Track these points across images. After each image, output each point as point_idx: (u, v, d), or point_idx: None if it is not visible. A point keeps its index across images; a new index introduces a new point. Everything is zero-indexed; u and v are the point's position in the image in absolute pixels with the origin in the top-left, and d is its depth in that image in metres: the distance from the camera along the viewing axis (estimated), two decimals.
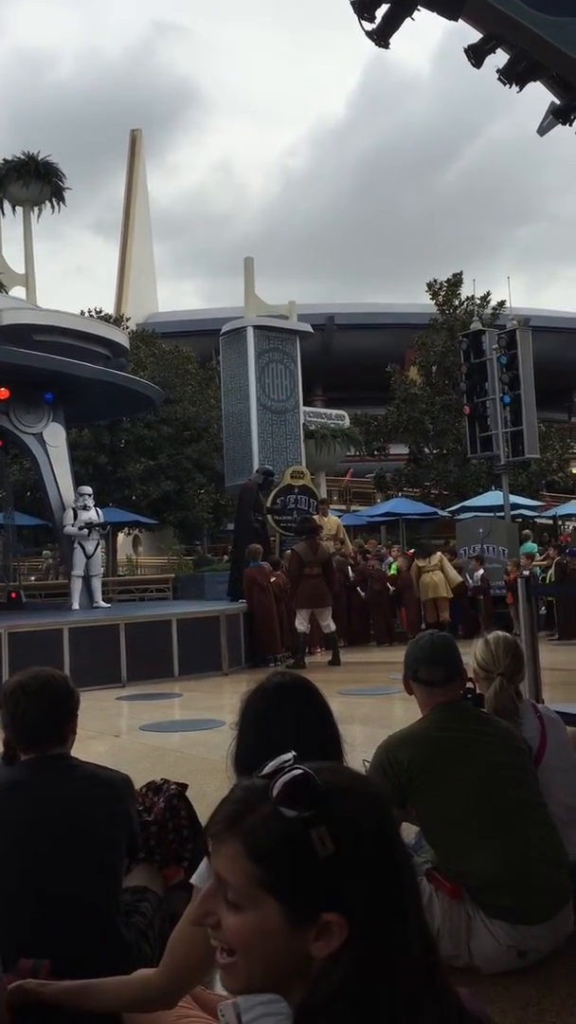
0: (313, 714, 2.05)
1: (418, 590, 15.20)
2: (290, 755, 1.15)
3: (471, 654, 3.47)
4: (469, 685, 3.39)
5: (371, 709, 8.62)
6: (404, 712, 7.69)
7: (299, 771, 1.09)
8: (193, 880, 1.91)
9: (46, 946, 2.17)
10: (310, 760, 1.17)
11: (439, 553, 15.80)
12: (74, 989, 1.94)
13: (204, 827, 1.19)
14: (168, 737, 7.55)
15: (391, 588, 15.33)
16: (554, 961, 2.82)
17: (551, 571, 15.69)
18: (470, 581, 15.80)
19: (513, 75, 6.26)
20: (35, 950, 2.15)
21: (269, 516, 16.76)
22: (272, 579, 12.71)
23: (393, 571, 15.80)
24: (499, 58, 6.41)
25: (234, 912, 1.07)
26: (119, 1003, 1.99)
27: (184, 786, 3.35)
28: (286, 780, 1.08)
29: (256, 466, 16.95)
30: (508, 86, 6.37)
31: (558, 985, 2.72)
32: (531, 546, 18.52)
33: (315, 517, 16.21)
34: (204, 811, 3.40)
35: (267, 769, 1.14)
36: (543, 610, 14.88)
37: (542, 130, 6.64)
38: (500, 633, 3.68)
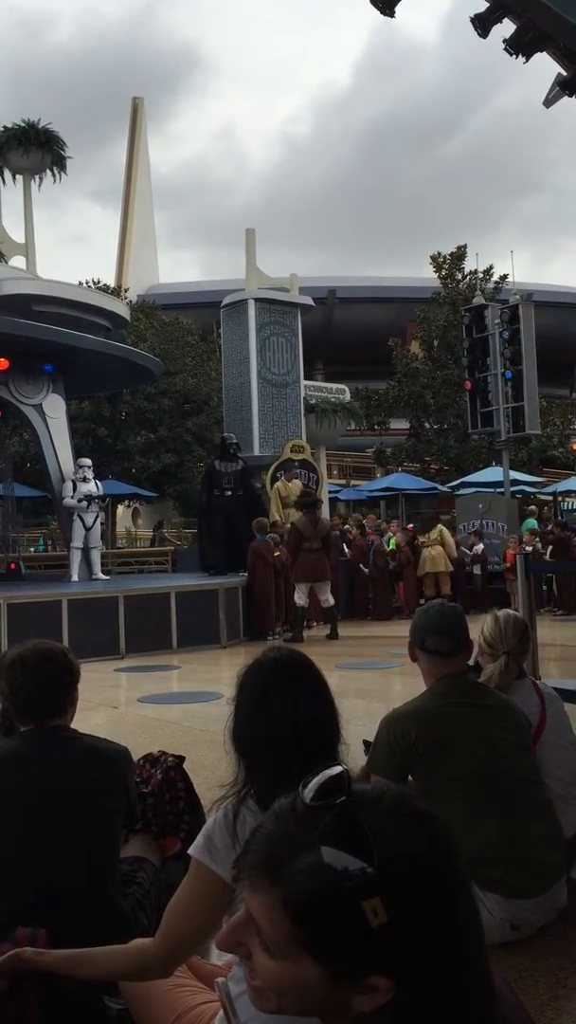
0: (310, 689, 2.06)
1: (415, 564, 15.20)
2: (337, 771, 0.95)
3: (478, 628, 3.47)
4: (471, 661, 3.40)
5: (369, 683, 8.65)
6: (402, 687, 7.73)
7: (348, 815, 0.91)
8: (191, 851, 1.92)
9: (43, 915, 2.19)
10: (315, 747, 1.02)
11: (440, 527, 15.78)
12: (71, 957, 1.95)
13: (236, 858, 1.04)
14: (166, 709, 7.59)
15: (391, 563, 15.35)
16: (546, 934, 2.85)
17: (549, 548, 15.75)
18: (467, 555, 15.79)
19: (520, 46, 6.19)
20: (32, 919, 2.17)
21: (269, 490, 16.77)
22: (276, 553, 12.73)
23: (392, 546, 15.81)
24: (506, 28, 6.33)
25: (268, 955, 0.94)
26: (115, 972, 2.00)
27: (181, 758, 3.37)
28: (338, 832, 0.89)
29: (256, 439, 16.92)
30: (515, 56, 6.30)
31: (550, 957, 2.76)
32: (532, 522, 18.54)
33: (279, 484, 16.31)
34: (201, 783, 3.44)
35: (311, 792, 0.94)
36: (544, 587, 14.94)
37: (548, 102, 6.57)
38: (511, 611, 3.68)
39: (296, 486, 16.12)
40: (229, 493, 13.79)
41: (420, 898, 0.89)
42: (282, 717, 1.97)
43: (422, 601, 13.68)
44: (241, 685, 2.06)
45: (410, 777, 2.97)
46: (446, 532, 15.60)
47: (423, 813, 0.96)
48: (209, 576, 13.25)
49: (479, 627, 3.49)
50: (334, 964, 0.90)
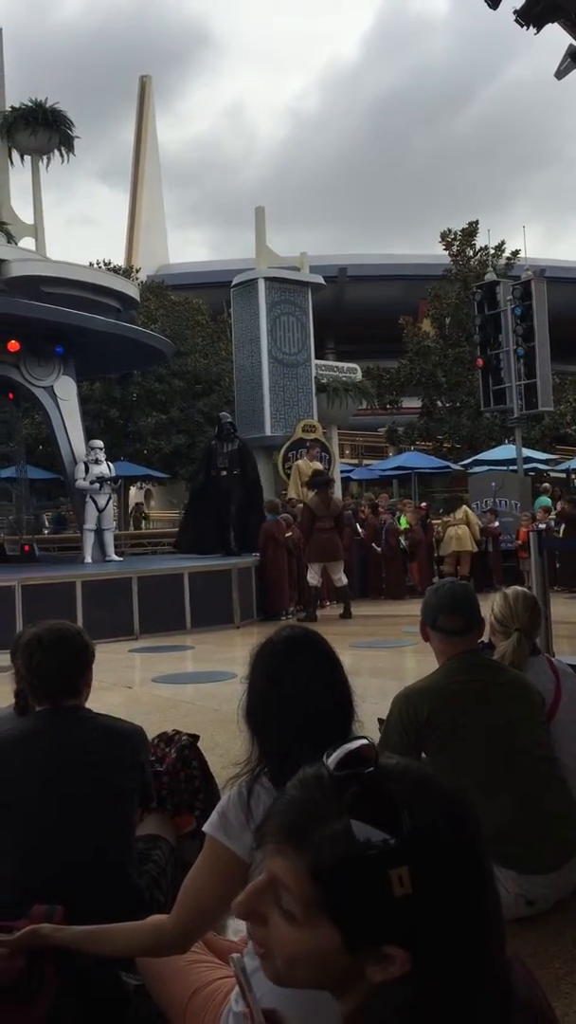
0: (324, 667, 2.06)
1: (436, 544, 15.13)
2: (360, 743, 0.97)
3: (488, 607, 3.46)
4: (484, 639, 3.40)
5: (383, 662, 8.67)
6: (416, 665, 7.74)
7: (381, 790, 0.92)
8: (206, 828, 1.92)
9: (60, 893, 2.21)
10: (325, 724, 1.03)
11: (464, 507, 15.69)
12: (88, 933, 1.97)
13: (259, 824, 1.04)
14: (180, 689, 7.62)
15: (403, 542, 15.33)
16: (561, 910, 2.86)
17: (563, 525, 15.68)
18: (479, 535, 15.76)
19: (530, 17, 6.10)
20: (49, 896, 2.18)
21: (282, 470, 16.76)
22: (288, 534, 12.73)
23: (403, 525, 15.78)
24: None
25: (287, 922, 0.94)
26: (132, 948, 2.02)
27: (195, 737, 3.38)
28: (366, 801, 0.91)
29: (268, 419, 16.88)
30: (525, 28, 6.21)
31: (565, 933, 2.77)
32: (545, 499, 18.47)
33: (300, 462, 16.25)
34: (215, 761, 3.45)
35: (336, 760, 0.95)
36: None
37: (560, 74, 6.48)
38: (519, 588, 3.67)
39: (317, 466, 16.07)
40: (225, 473, 13.72)
41: (445, 872, 0.90)
42: (295, 695, 1.97)
43: (437, 580, 13.67)
44: (254, 663, 2.06)
45: (423, 755, 2.97)
46: (471, 512, 15.48)
47: (448, 789, 0.96)
48: (182, 558, 13.19)
49: (489, 605, 3.49)
50: (355, 931, 0.91)
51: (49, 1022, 2.00)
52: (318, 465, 16.03)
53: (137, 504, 29.40)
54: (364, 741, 0.97)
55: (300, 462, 16.28)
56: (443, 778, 0.98)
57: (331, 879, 0.90)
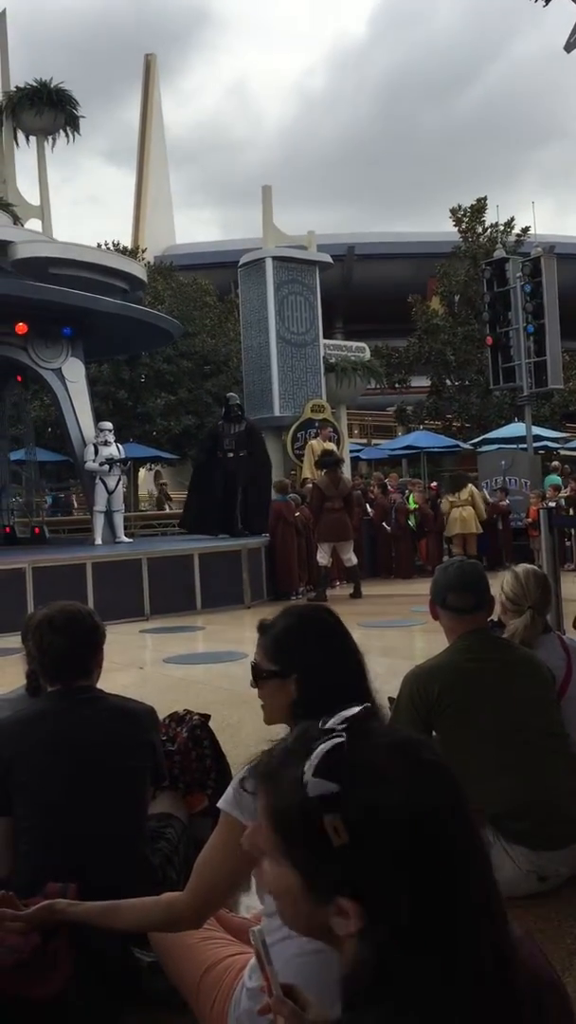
0: (336, 644, 2.07)
1: (445, 524, 14.94)
2: (358, 708, 1.03)
3: (498, 585, 3.46)
4: (494, 617, 3.40)
5: (392, 641, 8.69)
6: (425, 644, 7.74)
7: (338, 740, 0.98)
8: (220, 804, 1.93)
9: (74, 871, 2.23)
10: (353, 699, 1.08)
11: (470, 486, 15.44)
12: (102, 909, 1.98)
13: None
14: (191, 669, 7.65)
15: (413, 521, 15.31)
16: (573, 885, 2.87)
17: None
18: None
19: None
20: (63, 875, 2.20)
21: (291, 450, 16.74)
22: (297, 514, 12.72)
23: (412, 505, 15.77)
24: None
25: (267, 858, 1.04)
26: (146, 923, 2.03)
27: (207, 716, 3.39)
28: (323, 748, 0.97)
29: (276, 399, 16.85)
30: (535, 1, 6.15)
31: None
32: (554, 478, 18.41)
33: (313, 441, 16.18)
34: (226, 741, 3.47)
35: (331, 719, 1.03)
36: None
37: (569, 46, 6.43)
38: (529, 566, 3.67)
39: (330, 446, 16.01)
40: (231, 454, 13.64)
41: (388, 831, 0.93)
42: (309, 672, 1.99)
43: (446, 559, 13.62)
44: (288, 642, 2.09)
45: (434, 733, 2.98)
46: (476, 492, 15.21)
47: (428, 760, 0.99)
48: (192, 539, 13.04)
49: (499, 584, 3.48)
50: (306, 875, 0.97)
51: (64, 997, 2.02)
52: (331, 445, 15.98)
53: (161, 485, 29.38)
54: (365, 706, 1.03)
55: (313, 442, 16.21)
56: (430, 749, 1.01)
57: (283, 821, 0.98)
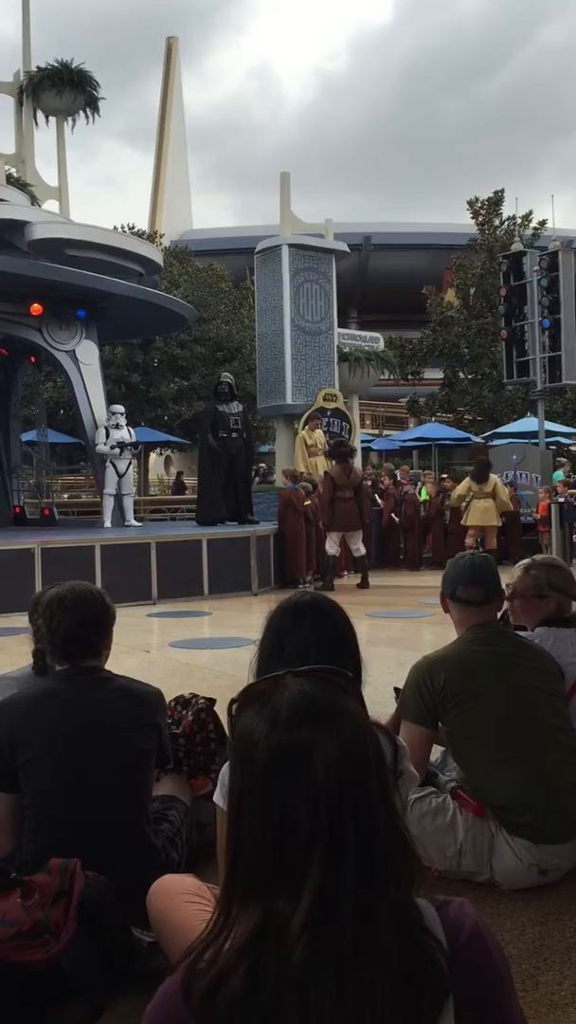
0: (329, 632, 2.07)
1: (465, 515, 14.74)
2: (326, 668, 1.15)
3: (509, 578, 3.46)
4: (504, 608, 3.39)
5: (399, 632, 8.69)
6: (432, 635, 7.74)
7: (262, 685, 1.12)
8: (215, 799, 1.95)
9: (77, 849, 2.24)
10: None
11: (495, 478, 15.18)
12: None
13: None
14: (197, 654, 7.67)
15: (423, 513, 15.28)
16: (574, 879, 2.87)
17: None
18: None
19: None
20: (66, 852, 2.22)
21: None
22: (307, 502, 12.71)
23: (423, 497, 15.74)
24: None
25: None
26: None
27: (212, 700, 3.41)
28: (247, 690, 1.14)
29: (289, 387, 16.80)
30: None
31: None
32: (560, 474, 18.34)
33: (303, 433, 16.08)
34: None
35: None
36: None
37: None
38: (538, 557, 3.66)
39: (319, 435, 15.96)
40: (236, 435, 13.53)
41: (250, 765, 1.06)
42: (293, 659, 1.99)
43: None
44: (265, 627, 2.10)
45: (440, 724, 2.98)
46: (500, 484, 14.88)
47: (322, 710, 1.07)
48: (213, 526, 12.87)
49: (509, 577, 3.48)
50: None
51: (58, 964, 2.03)
52: (320, 436, 15.91)
53: (179, 473, 29.41)
54: (324, 667, 1.13)
55: (303, 433, 16.10)
56: (334, 703, 1.08)
57: None
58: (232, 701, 1.11)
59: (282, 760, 1.04)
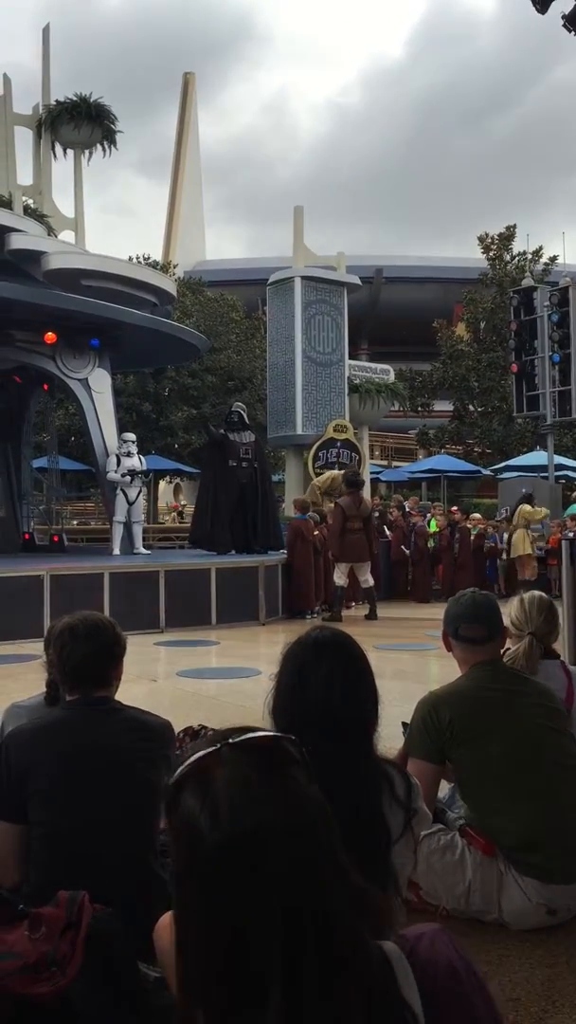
0: (349, 671, 2.07)
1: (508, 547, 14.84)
2: (260, 734, 1.11)
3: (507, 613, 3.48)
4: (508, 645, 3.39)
5: (406, 664, 8.66)
6: (440, 669, 7.71)
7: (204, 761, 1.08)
8: None
9: (84, 881, 2.22)
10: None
11: (544, 510, 15.23)
12: None
13: None
14: (204, 684, 7.65)
15: (431, 545, 15.27)
16: None
17: None
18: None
19: None
20: (74, 884, 2.20)
21: (312, 469, 16.73)
22: (316, 532, 12.72)
23: (433, 528, 15.73)
24: (565, 2, 6.22)
25: None
26: None
27: None
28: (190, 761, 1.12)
29: (299, 418, 16.87)
30: (573, 32, 6.18)
31: None
32: (574, 508, 18.32)
33: (316, 482, 15.95)
34: None
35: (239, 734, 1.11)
36: None
37: None
38: (536, 593, 3.68)
39: (326, 476, 15.80)
40: (246, 465, 13.52)
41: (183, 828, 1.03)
42: (317, 697, 1.99)
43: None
44: (283, 662, 2.09)
45: (448, 763, 2.97)
46: (527, 511, 15.16)
47: (236, 792, 1.02)
48: (218, 555, 12.86)
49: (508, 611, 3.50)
50: None
51: (66, 997, 2.01)
52: (334, 472, 15.77)
53: (184, 506, 29.64)
54: (263, 733, 1.09)
55: (317, 481, 15.81)
56: (275, 784, 1.03)
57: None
58: (168, 779, 1.08)
59: (227, 856, 0.98)
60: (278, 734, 1.10)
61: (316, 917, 0.97)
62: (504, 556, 15.39)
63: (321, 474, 16.34)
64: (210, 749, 1.05)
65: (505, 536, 15.32)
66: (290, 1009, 0.94)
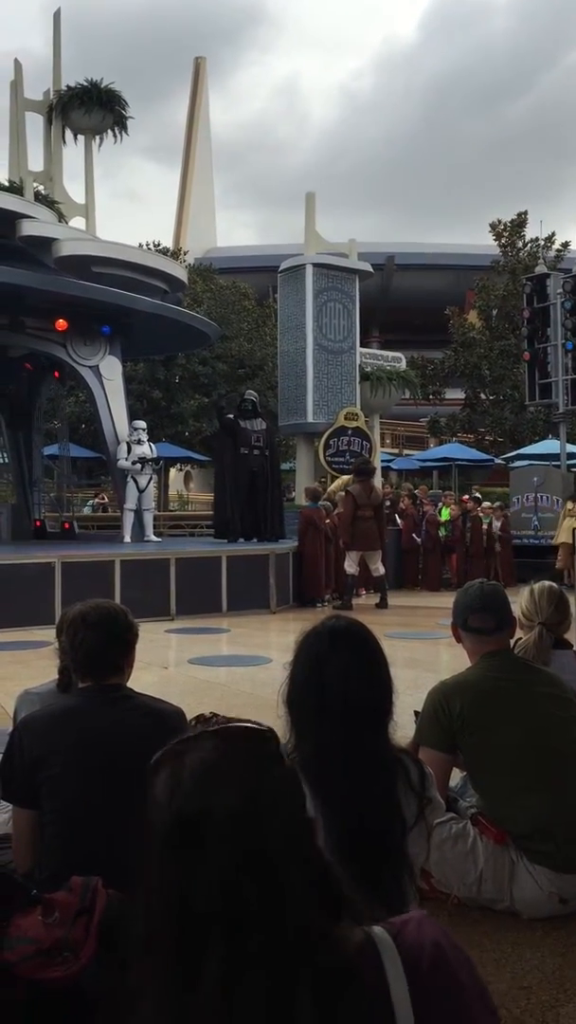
0: (365, 661, 2.06)
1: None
2: (248, 726, 1.15)
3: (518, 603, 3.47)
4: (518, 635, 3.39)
5: (417, 653, 8.66)
6: (450, 657, 7.70)
7: (185, 745, 1.15)
8: None
9: (96, 867, 2.23)
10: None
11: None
12: None
13: None
14: (215, 671, 7.67)
15: (443, 533, 15.25)
16: None
17: None
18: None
19: None
20: (86, 870, 2.21)
21: (323, 457, 16.72)
22: (328, 521, 12.71)
23: (444, 517, 15.70)
24: None
25: None
26: None
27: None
28: (170, 749, 1.20)
29: (310, 406, 16.84)
30: None
31: None
32: None
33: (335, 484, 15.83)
34: None
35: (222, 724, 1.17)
36: None
37: None
38: (546, 583, 3.67)
39: (340, 482, 15.66)
40: (257, 452, 13.46)
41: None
42: (333, 686, 1.99)
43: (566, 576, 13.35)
44: (298, 652, 2.08)
45: (459, 751, 2.97)
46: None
47: (220, 774, 1.08)
48: (227, 543, 12.90)
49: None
50: None
51: (78, 981, 2.03)
52: (347, 478, 15.66)
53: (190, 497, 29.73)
54: (240, 724, 1.14)
55: (333, 487, 15.59)
56: (233, 771, 1.08)
57: None
58: (151, 760, 1.18)
59: (175, 832, 1.07)
60: (255, 725, 1.15)
61: (263, 899, 1.01)
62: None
63: (332, 463, 16.31)
64: (191, 735, 1.15)
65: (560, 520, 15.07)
66: (226, 980, 0.99)
